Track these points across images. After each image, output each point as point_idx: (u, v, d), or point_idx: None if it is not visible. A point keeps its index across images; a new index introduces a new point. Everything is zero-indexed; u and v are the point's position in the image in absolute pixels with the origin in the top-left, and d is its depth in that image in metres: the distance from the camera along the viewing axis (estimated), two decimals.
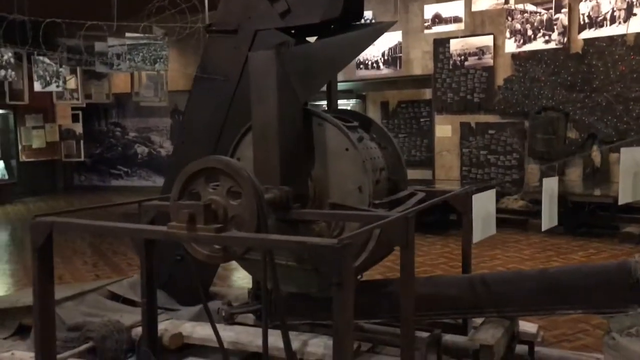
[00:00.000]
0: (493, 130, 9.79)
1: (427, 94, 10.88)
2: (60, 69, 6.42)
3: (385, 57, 8.32)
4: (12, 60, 5.09)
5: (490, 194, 3.61)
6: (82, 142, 14.19)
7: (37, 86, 6.33)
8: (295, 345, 3.36)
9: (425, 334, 3.34)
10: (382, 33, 4.02)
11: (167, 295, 4.83)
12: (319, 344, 3.31)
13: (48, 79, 6.35)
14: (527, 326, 3.59)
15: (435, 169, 10.68)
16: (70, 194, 14.35)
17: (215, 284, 5.13)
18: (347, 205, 3.19)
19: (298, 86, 3.29)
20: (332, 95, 4.25)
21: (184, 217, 2.45)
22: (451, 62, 8.95)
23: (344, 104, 11.83)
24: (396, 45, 8.20)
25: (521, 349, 3.38)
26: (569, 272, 3.06)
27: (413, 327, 2.87)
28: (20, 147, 13.57)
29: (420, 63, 10.23)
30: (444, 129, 10.29)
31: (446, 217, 8.66)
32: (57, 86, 6.53)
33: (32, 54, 5.90)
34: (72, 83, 12.43)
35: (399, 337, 3.46)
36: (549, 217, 3.33)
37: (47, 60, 6.20)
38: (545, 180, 3.30)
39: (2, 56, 4.96)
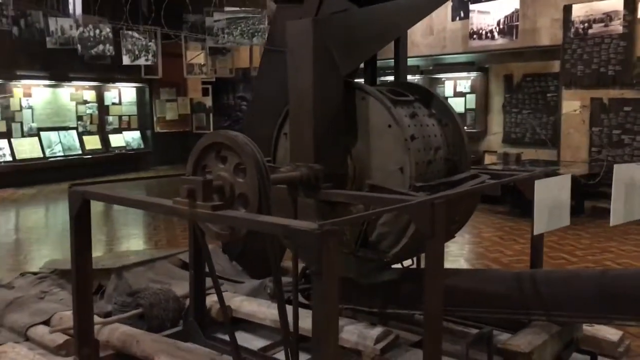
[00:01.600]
0: (629, 107, 8.71)
1: (556, 66, 9.94)
2: (150, 43, 6.67)
3: (501, 26, 7.66)
4: (110, 35, 5.35)
5: (562, 180, 3.15)
6: (211, 114, 14.91)
7: (126, 60, 6.64)
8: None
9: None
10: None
11: (239, 267, 4.91)
12: (354, 332, 3.13)
13: (137, 52, 6.63)
14: (608, 332, 3.13)
15: (561, 149, 9.79)
16: None
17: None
18: (384, 187, 2.95)
19: (339, 57, 3.07)
20: (400, 67, 3.93)
21: (184, 193, 2.39)
22: (572, 30, 8.04)
23: (464, 77, 11.22)
24: (513, 13, 7.51)
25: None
26: (636, 275, 2.57)
27: (439, 324, 2.60)
28: (155, 118, 14.58)
29: (548, 32, 9.35)
30: (573, 105, 9.36)
31: None
32: (146, 60, 6.80)
33: (121, 29, 6.18)
34: (201, 58, 13.07)
35: (447, 332, 3.19)
36: (619, 209, 2.82)
37: (135, 34, 6.48)
38: (617, 168, 2.80)
39: (101, 31, 5.23)
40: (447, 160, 3.40)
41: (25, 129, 11.86)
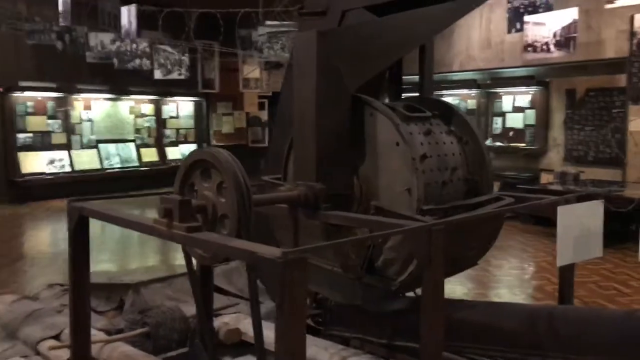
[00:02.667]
0: None
1: (622, 80, 9.33)
2: (183, 57, 6.69)
3: (557, 38, 7.23)
4: (147, 49, 5.40)
5: (592, 207, 2.84)
6: (266, 128, 14.97)
7: (158, 74, 6.67)
8: (334, 359, 3.03)
9: None
10: (471, 8, 3.39)
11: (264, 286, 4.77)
12: None
13: (169, 67, 6.66)
14: None
15: (627, 168, 9.17)
16: (255, 175, 15.23)
17: None
18: (388, 210, 2.73)
19: (346, 71, 2.90)
20: (425, 81, 3.69)
21: (161, 213, 2.27)
22: (635, 41, 7.49)
23: (523, 91, 10.72)
24: (570, 24, 7.07)
25: None
26: None
27: None
28: (211, 132, 14.79)
29: (613, 44, 8.80)
30: None
31: (625, 227, 7.34)
32: (179, 74, 6.82)
33: (154, 44, 6.23)
34: (256, 73, 13.18)
35: None
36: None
37: (168, 49, 6.51)
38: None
39: (138, 46, 5.28)
40: (466, 180, 3.14)
41: (85, 141, 12.26)
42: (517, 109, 10.85)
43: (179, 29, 7.64)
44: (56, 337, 3.64)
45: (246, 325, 3.63)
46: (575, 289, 5.29)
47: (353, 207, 2.92)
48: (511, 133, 10.91)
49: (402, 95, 3.67)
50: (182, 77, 7.54)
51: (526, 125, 10.68)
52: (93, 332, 3.67)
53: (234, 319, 3.73)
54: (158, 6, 6.21)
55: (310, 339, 3.31)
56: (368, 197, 2.90)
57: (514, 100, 10.88)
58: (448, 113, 3.25)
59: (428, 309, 2.30)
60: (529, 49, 7.45)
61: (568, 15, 7.12)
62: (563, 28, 7.08)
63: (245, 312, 3.91)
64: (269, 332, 3.47)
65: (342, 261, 2.98)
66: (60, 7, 8.34)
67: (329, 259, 3.03)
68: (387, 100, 3.52)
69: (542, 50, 7.34)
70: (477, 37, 10.91)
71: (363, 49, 2.94)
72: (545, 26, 7.30)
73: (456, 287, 5.25)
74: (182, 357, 3.38)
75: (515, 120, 10.88)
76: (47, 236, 8.67)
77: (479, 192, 3.14)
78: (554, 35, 7.18)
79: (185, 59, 6.95)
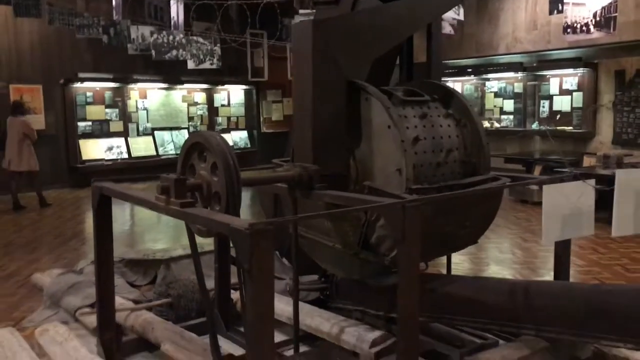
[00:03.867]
0: None
1: None
2: (214, 48, 6.94)
3: (597, 19, 7.05)
4: (183, 41, 5.70)
5: (579, 187, 2.90)
6: None
7: (191, 64, 6.95)
8: (333, 330, 3.24)
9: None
10: None
11: (286, 263, 5.01)
12: (354, 334, 3.10)
13: (202, 57, 6.92)
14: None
15: None
16: None
17: None
18: (378, 189, 2.89)
19: (342, 59, 3.06)
20: (433, 66, 3.80)
21: (159, 190, 2.53)
22: None
23: (571, 73, 10.48)
24: (610, 4, 6.88)
25: None
26: (630, 292, 2.31)
27: (415, 331, 2.51)
28: (261, 119, 15.16)
29: None
30: None
31: None
32: (211, 64, 7.08)
33: (187, 34, 6.51)
34: None
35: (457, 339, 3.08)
36: (620, 219, 2.53)
37: (200, 40, 6.78)
38: (618, 173, 2.52)
39: (174, 38, 5.58)
40: (463, 162, 3.26)
41: (141, 128, 12.87)
42: (564, 92, 10.63)
43: (226, 20, 7.94)
44: (92, 306, 4.00)
45: None
46: (600, 271, 5.31)
47: (350, 187, 3.10)
48: (558, 116, 10.70)
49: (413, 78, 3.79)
50: (214, 66, 7.86)
51: (573, 108, 10.45)
52: (123, 301, 4.03)
53: None
54: None
55: (315, 311, 3.54)
56: (363, 178, 3.07)
57: (561, 82, 10.65)
58: (448, 97, 3.36)
59: (403, 281, 2.47)
60: (569, 30, 7.33)
61: None
62: (603, 8, 6.92)
63: None
64: (277, 305, 3.75)
65: (342, 238, 3.17)
66: (113, 2, 8.84)
67: (331, 237, 3.23)
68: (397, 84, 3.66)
69: (582, 31, 7.20)
70: (523, 19, 10.72)
71: (357, 38, 3.10)
72: (585, 6, 7.16)
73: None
74: (200, 325, 3.65)
75: (563, 103, 10.66)
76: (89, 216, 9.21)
77: (476, 174, 3.25)
78: (594, 16, 7.04)
79: (217, 49, 7.23)
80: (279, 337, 3.63)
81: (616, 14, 6.87)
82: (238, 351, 3.37)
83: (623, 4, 7.04)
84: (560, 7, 7.58)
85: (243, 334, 3.65)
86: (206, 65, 7.44)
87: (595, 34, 7.08)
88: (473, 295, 2.75)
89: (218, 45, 7.30)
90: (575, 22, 7.09)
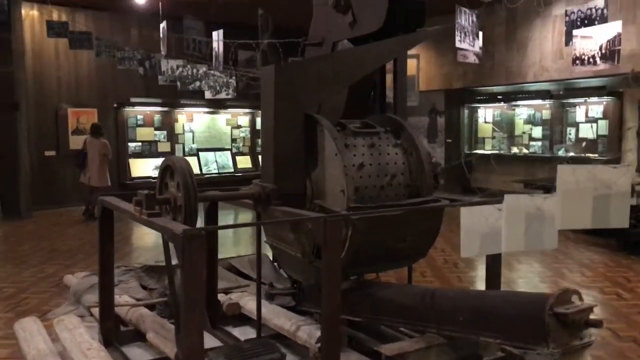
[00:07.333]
0: None
1: None
2: (230, 80, 7.63)
3: (603, 51, 7.31)
4: (203, 74, 6.40)
5: (490, 210, 3.32)
6: None
7: (208, 94, 7.64)
8: (292, 328, 3.75)
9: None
10: (411, 45, 4.00)
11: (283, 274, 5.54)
12: (306, 331, 3.61)
13: (218, 88, 7.61)
14: None
15: None
16: None
17: None
18: (325, 207, 3.41)
19: (301, 97, 3.61)
20: (398, 100, 4.31)
21: (133, 203, 3.15)
22: None
23: (596, 101, 10.63)
24: (615, 37, 7.13)
25: None
26: (500, 297, 2.72)
27: (335, 327, 2.99)
28: None
29: None
30: None
31: None
32: (227, 94, 7.75)
33: (208, 69, 7.23)
34: None
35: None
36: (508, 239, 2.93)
37: (217, 73, 7.48)
38: (507, 198, 2.92)
39: (198, 70, 6.29)
40: (408, 186, 3.73)
41: (187, 149, 13.79)
42: (590, 120, 10.77)
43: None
44: None
45: (244, 302, 4.43)
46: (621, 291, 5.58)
47: (306, 205, 3.63)
48: (584, 143, 10.84)
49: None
50: (230, 96, 8.59)
51: (599, 136, 10.58)
52: (128, 299, 4.67)
53: (238, 296, 4.55)
54: (232, 39, 7.33)
55: (282, 312, 4.06)
56: (317, 197, 3.59)
57: (587, 110, 10.81)
58: (399, 129, 3.85)
59: (326, 283, 2.96)
60: (577, 62, 7.61)
61: (612, 29, 7.21)
62: (608, 41, 7.19)
63: (251, 292, 4.71)
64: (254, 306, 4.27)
65: (301, 248, 3.69)
66: (161, 35, 9.75)
67: (294, 247, 3.76)
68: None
69: (588, 63, 7.47)
70: (550, 48, 10.98)
71: (317, 79, 3.65)
72: (591, 39, 7.44)
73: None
74: None
75: (588, 131, 10.80)
76: (142, 230, 10.04)
77: (420, 195, 3.72)
78: (600, 48, 7.31)
79: (232, 81, 7.97)
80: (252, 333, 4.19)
81: (620, 47, 7.14)
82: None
83: (626, 38, 7.29)
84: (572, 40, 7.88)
85: (224, 332, 4.22)
86: (222, 95, 8.19)
87: (601, 66, 7.35)
88: (395, 299, 3.21)
89: (233, 78, 8.05)
90: (583, 54, 7.39)
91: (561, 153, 11.28)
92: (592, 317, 2.45)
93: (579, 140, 11.05)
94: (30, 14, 11.55)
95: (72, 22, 10.72)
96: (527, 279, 6.35)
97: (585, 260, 7.19)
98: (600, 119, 10.54)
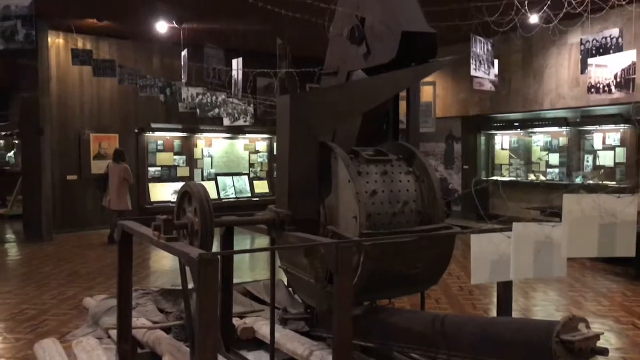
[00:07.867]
0: None
1: None
2: (248, 107, 7.80)
3: (618, 79, 7.35)
4: (221, 101, 6.57)
5: (499, 237, 3.37)
6: None
7: (226, 121, 7.81)
8: (305, 353, 3.80)
9: None
10: (423, 75, 4.09)
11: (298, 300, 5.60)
12: (318, 356, 3.66)
13: (236, 115, 7.77)
14: None
15: None
16: None
17: None
18: (337, 233, 3.49)
19: (315, 125, 3.72)
20: (410, 129, 4.41)
21: (152, 228, 3.26)
22: None
23: (612, 129, 10.62)
24: (630, 66, 7.18)
25: None
26: (508, 323, 2.75)
27: (347, 351, 3.04)
28: None
29: None
30: None
31: None
32: (245, 121, 7.91)
33: (227, 96, 7.41)
34: None
35: None
36: (516, 264, 2.97)
37: (235, 100, 7.66)
38: (515, 226, 2.97)
39: (217, 98, 6.46)
40: (419, 212, 3.80)
41: (205, 173, 13.98)
42: (607, 147, 10.75)
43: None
44: None
45: (258, 326, 4.49)
46: None
47: (320, 230, 3.71)
48: (601, 171, 10.80)
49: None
50: (247, 123, 8.77)
51: (616, 164, 10.54)
52: (145, 322, 4.76)
53: (252, 321, 4.62)
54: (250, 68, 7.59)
55: (295, 337, 4.12)
56: (331, 223, 3.67)
57: (604, 137, 10.79)
58: (411, 157, 3.94)
59: (337, 307, 3.02)
60: (592, 90, 7.65)
61: (627, 58, 7.26)
62: (623, 70, 7.23)
63: (265, 317, 4.77)
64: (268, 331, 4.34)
65: (314, 274, 3.77)
66: (182, 63, 10.01)
67: (307, 273, 3.83)
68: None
69: (604, 91, 7.50)
70: (566, 76, 11.03)
71: (331, 108, 3.76)
72: (606, 67, 7.49)
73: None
74: None
75: (606, 158, 10.77)
76: (160, 254, 10.19)
77: (432, 222, 3.78)
78: (615, 77, 7.35)
79: (250, 108, 8.17)
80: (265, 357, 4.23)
81: (634, 76, 7.17)
82: None
83: None
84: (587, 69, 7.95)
85: (238, 355, 4.28)
86: (240, 122, 8.38)
87: (616, 94, 7.38)
88: (406, 325, 3.26)
89: (251, 105, 8.25)
90: (598, 82, 7.43)
91: (579, 180, 11.24)
92: (598, 344, 2.48)
93: (596, 167, 11.02)
94: (56, 42, 11.92)
95: (96, 50, 11.05)
96: (542, 306, 6.32)
97: (602, 289, 7.14)
98: (618, 146, 10.51)
